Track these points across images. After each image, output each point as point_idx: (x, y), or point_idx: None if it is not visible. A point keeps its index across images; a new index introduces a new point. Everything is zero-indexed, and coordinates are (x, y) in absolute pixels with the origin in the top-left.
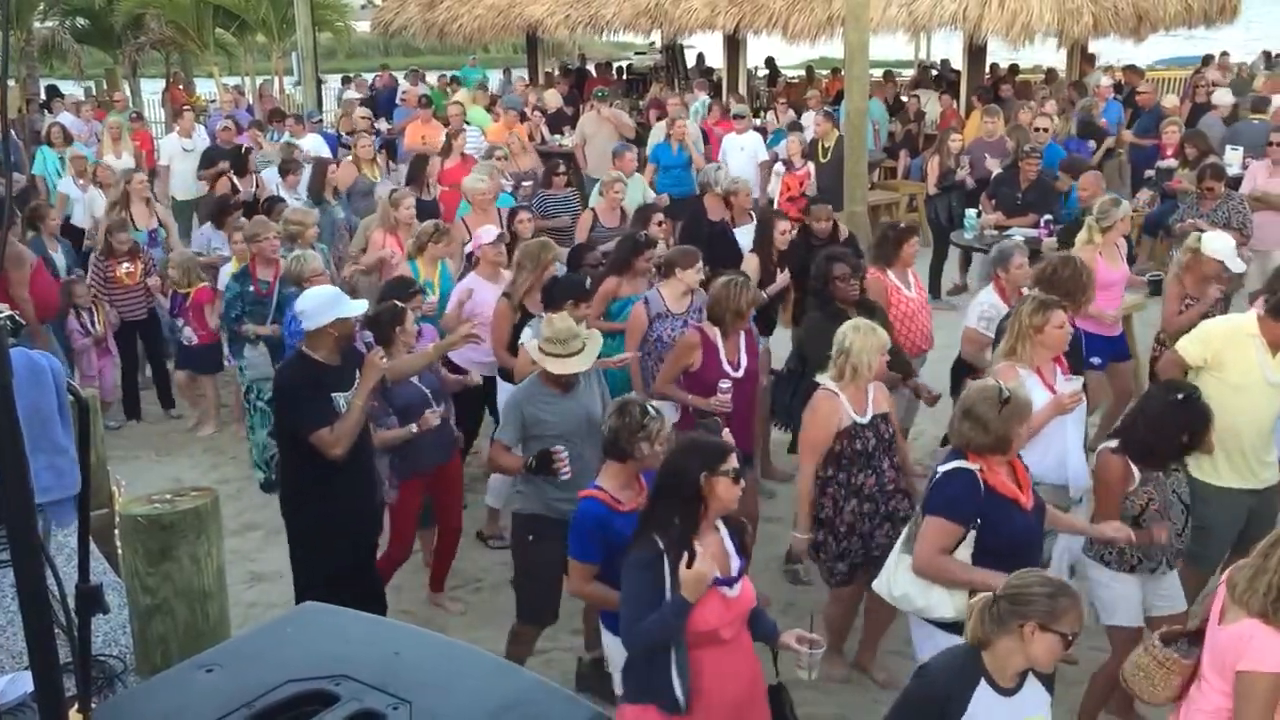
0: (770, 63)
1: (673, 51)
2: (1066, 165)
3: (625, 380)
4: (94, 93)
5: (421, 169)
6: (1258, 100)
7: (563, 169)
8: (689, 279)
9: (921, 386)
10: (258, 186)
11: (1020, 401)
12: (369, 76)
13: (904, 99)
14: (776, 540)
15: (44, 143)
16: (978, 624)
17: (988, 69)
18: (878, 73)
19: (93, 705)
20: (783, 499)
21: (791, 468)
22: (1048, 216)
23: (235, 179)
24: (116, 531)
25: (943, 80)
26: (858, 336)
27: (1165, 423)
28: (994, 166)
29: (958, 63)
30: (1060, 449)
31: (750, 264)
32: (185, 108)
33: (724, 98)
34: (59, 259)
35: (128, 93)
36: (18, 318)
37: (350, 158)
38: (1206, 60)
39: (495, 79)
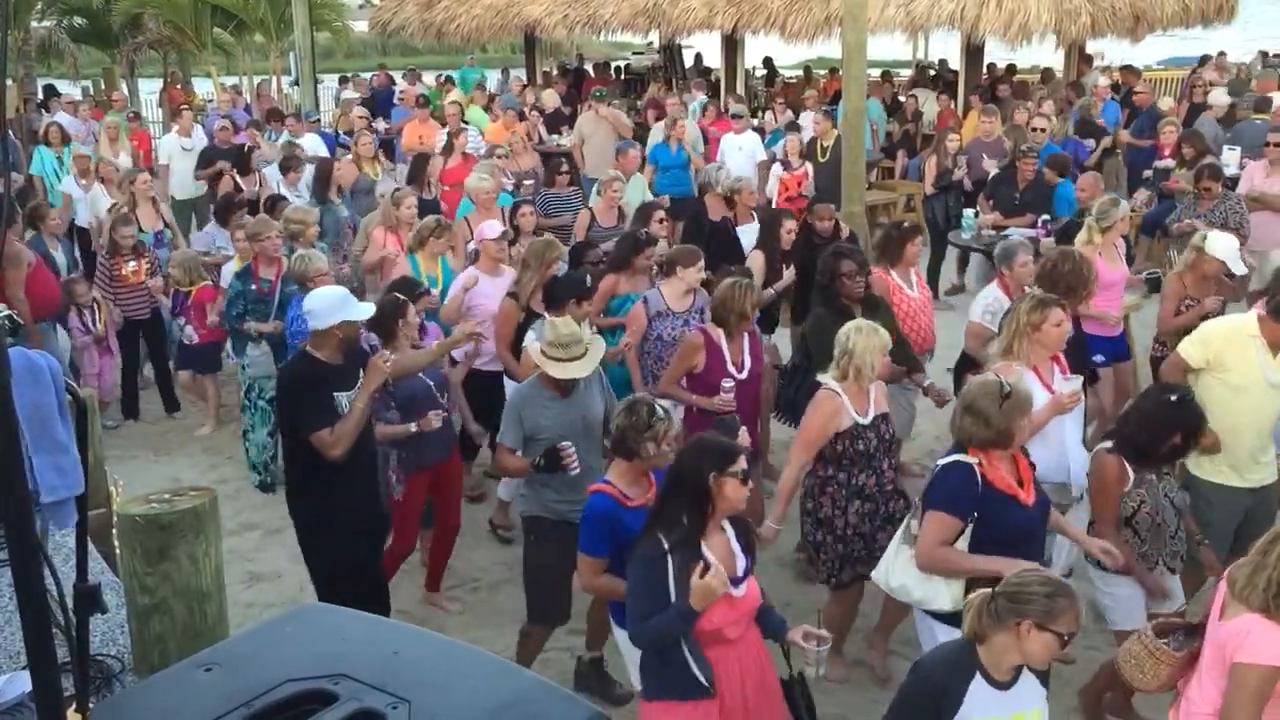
0: (768, 63)
1: (670, 51)
2: (1051, 162)
3: (624, 378)
4: (91, 92)
5: (422, 168)
6: (1260, 100)
7: (566, 168)
8: (690, 278)
9: (932, 387)
10: (260, 185)
11: (1021, 396)
12: (366, 76)
13: (901, 99)
14: (777, 539)
15: (41, 142)
16: (975, 619)
17: (985, 69)
18: (875, 73)
19: (90, 705)
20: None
21: None
22: (1045, 216)
23: (239, 178)
24: (114, 531)
25: (940, 80)
26: (860, 337)
27: (1157, 423)
28: (991, 166)
29: (955, 63)
30: (1060, 447)
31: (756, 261)
32: (184, 107)
33: (722, 98)
34: (60, 258)
35: (125, 92)
36: (16, 317)
37: (350, 156)
38: (1204, 60)
39: (493, 79)
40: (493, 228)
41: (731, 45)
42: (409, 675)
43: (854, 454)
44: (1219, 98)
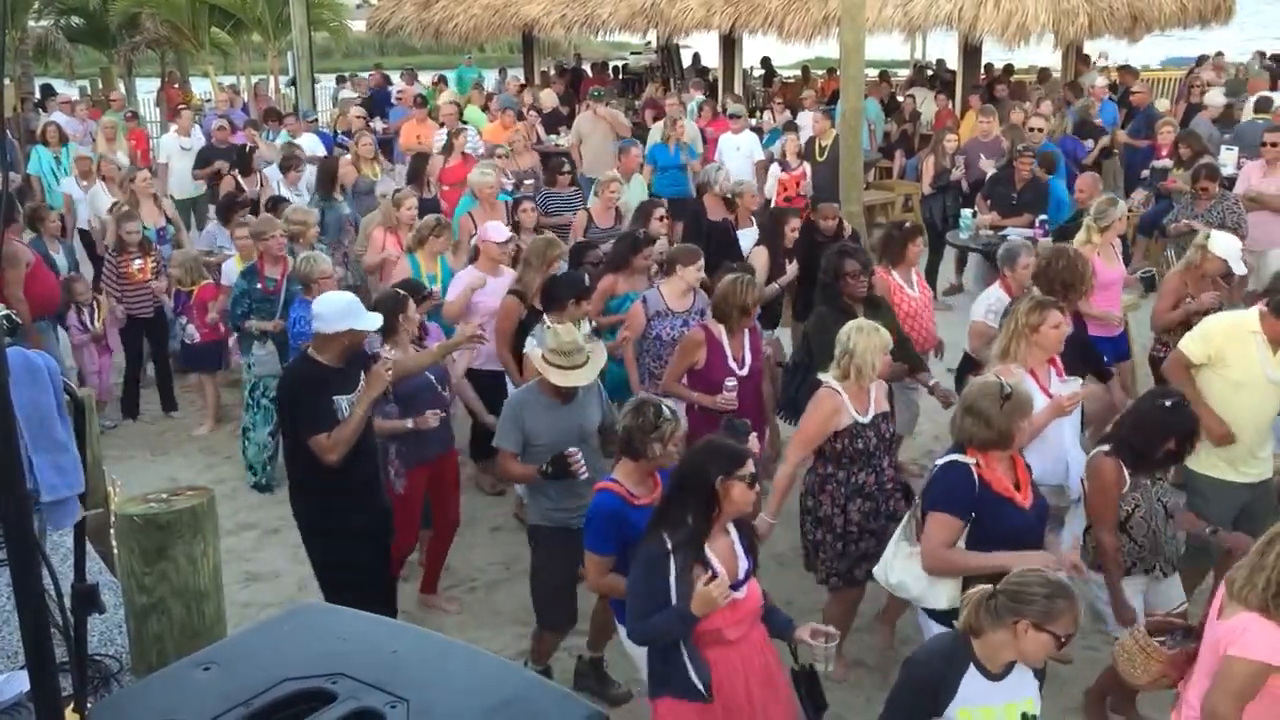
0: (766, 63)
1: (668, 51)
2: (1040, 160)
3: (622, 378)
4: (89, 92)
5: (422, 167)
6: (1261, 100)
7: (568, 168)
8: (689, 276)
9: (937, 386)
10: (262, 185)
11: (1022, 397)
12: (364, 75)
13: (899, 99)
14: (776, 538)
15: (39, 142)
16: (973, 614)
17: (983, 69)
18: (873, 73)
19: (89, 704)
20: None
21: None
22: (1043, 216)
23: (240, 178)
24: (112, 531)
25: (938, 80)
26: (860, 337)
27: (1150, 427)
28: (989, 166)
29: (953, 63)
30: (1057, 450)
31: (759, 258)
32: (182, 107)
33: (719, 97)
34: (60, 259)
35: (123, 92)
36: (14, 317)
37: (349, 156)
38: (1201, 61)
39: (491, 79)
40: (499, 231)
41: (729, 45)
42: (407, 674)
43: (853, 452)
44: (1214, 98)
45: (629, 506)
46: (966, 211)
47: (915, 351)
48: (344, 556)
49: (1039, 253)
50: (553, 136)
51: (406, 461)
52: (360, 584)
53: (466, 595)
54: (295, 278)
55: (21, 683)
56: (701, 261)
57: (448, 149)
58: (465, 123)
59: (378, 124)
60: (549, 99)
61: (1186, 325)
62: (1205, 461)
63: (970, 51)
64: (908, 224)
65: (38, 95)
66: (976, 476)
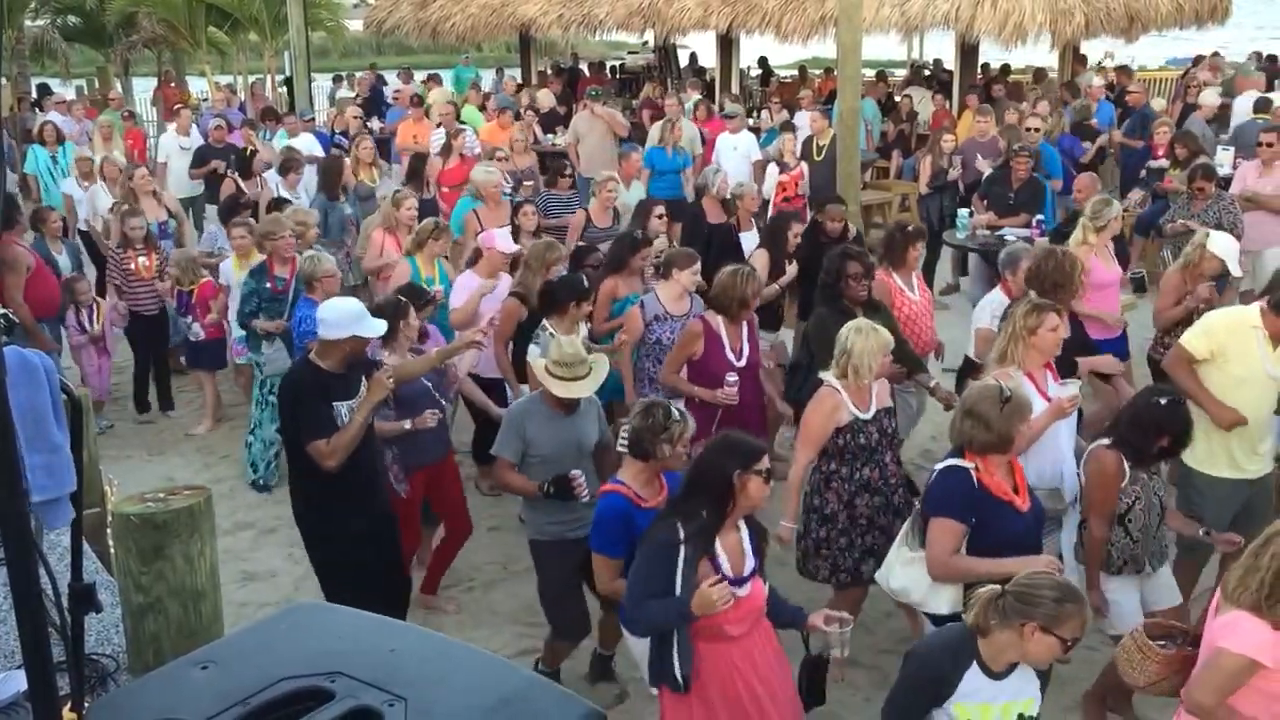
0: (763, 62)
1: (666, 51)
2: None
3: (616, 380)
4: (85, 91)
5: (420, 167)
6: (1261, 100)
7: (569, 170)
8: (686, 280)
9: (938, 388)
10: (262, 187)
11: (1021, 400)
12: (360, 75)
13: (896, 99)
14: (792, 537)
15: (35, 141)
16: (980, 613)
17: (980, 69)
18: (870, 72)
19: (86, 704)
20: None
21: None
22: (1040, 216)
23: (240, 180)
24: (109, 530)
25: (935, 80)
26: (859, 338)
27: (1145, 423)
28: (986, 166)
29: (950, 63)
30: (1054, 453)
31: (760, 260)
32: (181, 106)
33: (717, 97)
34: (63, 261)
35: (120, 91)
36: (11, 316)
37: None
38: (1197, 61)
39: (488, 78)
40: (507, 242)
41: (726, 45)
42: (405, 673)
43: (855, 448)
44: (1209, 98)
45: (637, 509)
46: (963, 211)
47: (914, 354)
48: (344, 558)
49: (1031, 254)
50: (550, 136)
51: (404, 466)
52: (361, 584)
53: (464, 595)
54: (302, 277)
55: (19, 682)
56: (698, 265)
57: (446, 150)
58: (463, 123)
59: (375, 123)
60: (546, 99)
61: (1188, 323)
62: (1206, 459)
63: (967, 51)
64: (911, 226)
65: (34, 95)
66: (976, 480)
